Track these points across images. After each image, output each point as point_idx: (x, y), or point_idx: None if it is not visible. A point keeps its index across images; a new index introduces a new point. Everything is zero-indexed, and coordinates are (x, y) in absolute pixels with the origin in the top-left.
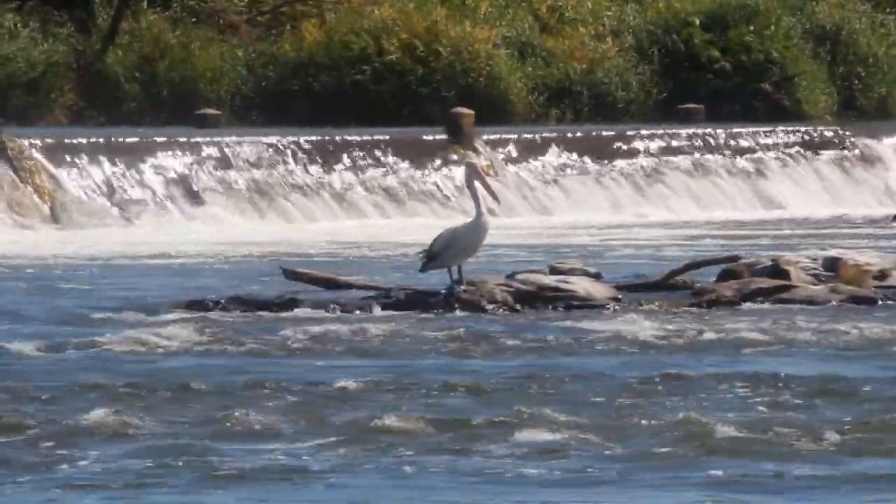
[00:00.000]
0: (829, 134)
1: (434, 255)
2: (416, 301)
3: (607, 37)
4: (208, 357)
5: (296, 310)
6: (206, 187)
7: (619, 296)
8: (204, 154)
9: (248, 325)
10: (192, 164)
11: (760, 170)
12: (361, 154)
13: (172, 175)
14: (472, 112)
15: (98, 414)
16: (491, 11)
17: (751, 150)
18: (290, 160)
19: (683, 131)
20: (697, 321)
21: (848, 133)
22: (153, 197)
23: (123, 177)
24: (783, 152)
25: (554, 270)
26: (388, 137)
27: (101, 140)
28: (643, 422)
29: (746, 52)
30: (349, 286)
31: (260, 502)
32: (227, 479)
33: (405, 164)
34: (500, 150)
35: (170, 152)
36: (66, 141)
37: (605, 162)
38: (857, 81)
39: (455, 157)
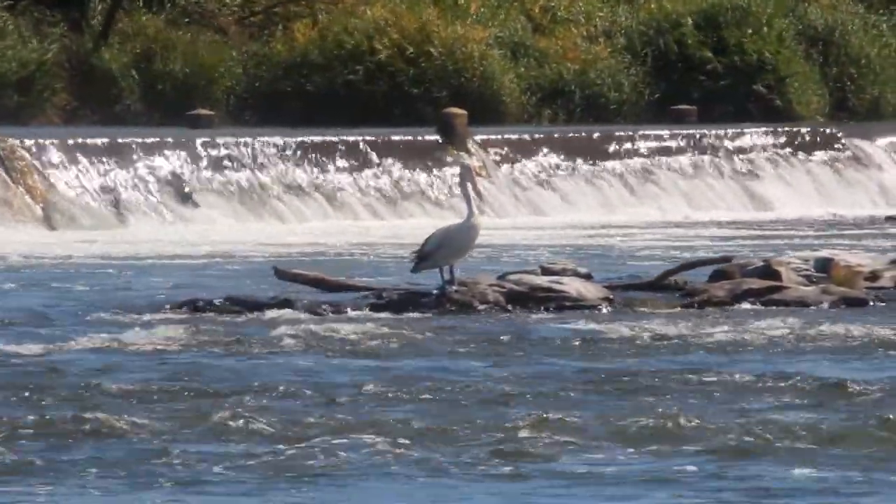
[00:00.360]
0: (821, 135)
1: (426, 255)
2: (409, 301)
3: (600, 37)
4: (201, 357)
5: (288, 310)
6: (198, 188)
7: (611, 296)
8: (197, 154)
9: (241, 326)
10: (185, 164)
11: (752, 170)
12: (354, 154)
13: (165, 175)
14: (464, 112)
15: (91, 414)
16: (483, 11)
17: (743, 151)
18: (283, 161)
19: (676, 132)
20: (689, 322)
21: (840, 134)
22: (146, 197)
23: (116, 177)
24: (775, 153)
25: (545, 271)
26: (380, 138)
27: (94, 141)
28: (635, 422)
29: (739, 54)
30: (341, 287)
31: (253, 501)
32: (219, 478)
33: (397, 165)
34: (493, 150)
35: (163, 153)
36: (59, 141)
37: (598, 162)
38: (849, 82)
39: (448, 157)
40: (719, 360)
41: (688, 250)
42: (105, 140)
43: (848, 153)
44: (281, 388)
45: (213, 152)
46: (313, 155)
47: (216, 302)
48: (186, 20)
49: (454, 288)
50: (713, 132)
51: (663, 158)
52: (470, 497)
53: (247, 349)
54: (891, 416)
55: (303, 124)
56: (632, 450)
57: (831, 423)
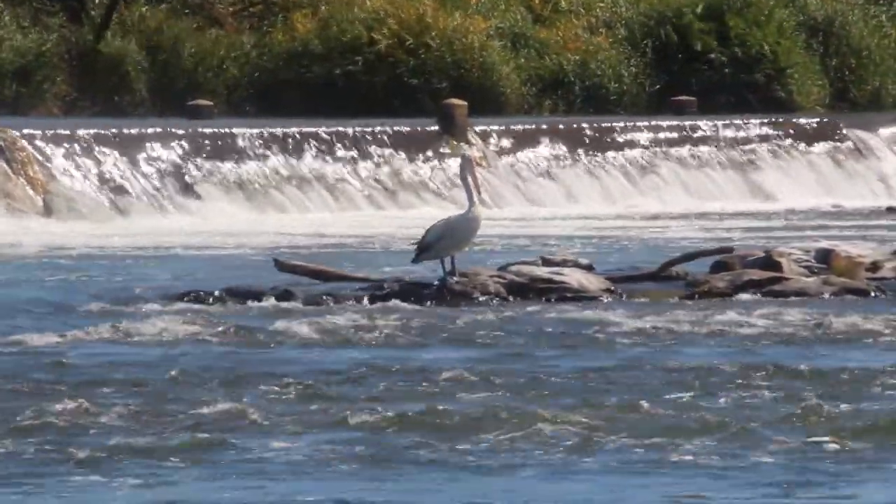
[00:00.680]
0: (821, 125)
1: (427, 246)
2: (409, 292)
3: (600, 28)
4: (202, 348)
5: (289, 302)
6: (199, 178)
7: (612, 287)
8: (197, 145)
9: (241, 317)
10: (185, 155)
11: (753, 161)
12: (354, 145)
13: (166, 166)
14: (464, 103)
15: (92, 406)
16: (483, 2)
17: (743, 142)
18: (283, 151)
19: (676, 123)
20: (690, 313)
21: (841, 125)
22: (146, 188)
23: (116, 168)
24: (776, 144)
25: (546, 262)
26: (381, 128)
27: (94, 131)
28: (637, 412)
29: (739, 44)
30: (341, 278)
31: (254, 493)
32: (221, 469)
33: (398, 156)
34: (493, 141)
35: (163, 143)
36: (59, 132)
37: (598, 153)
38: (849, 73)
39: (448, 148)
40: (720, 350)
41: (688, 241)
42: (105, 131)
43: (848, 144)
44: (279, 378)
45: (214, 143)
46: (314, 145)
47: (216, 293)
48: (187, 11)
49: (455, 279)
50: (714, 123)
51: (664, 149)
52: (474, 488)
53: (247, 340)
54: None
55: (303, 115)
56: (634, 439)
57: (832, 412)
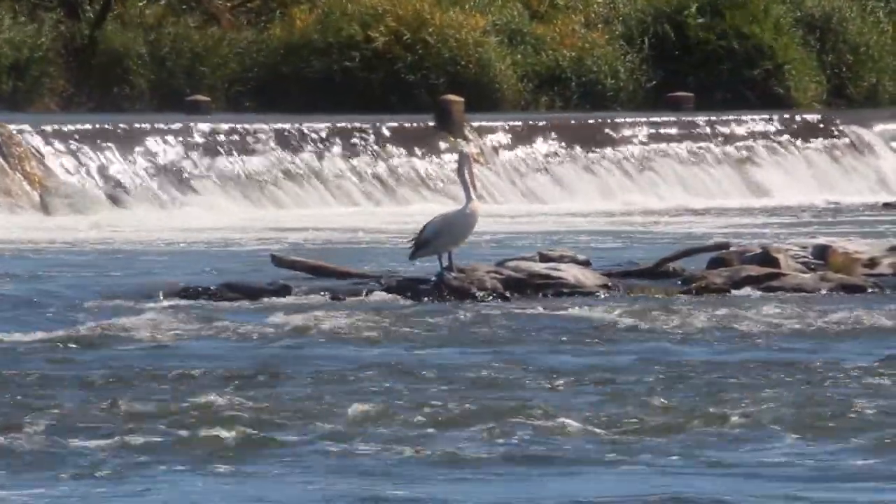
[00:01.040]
0: (818, 122)
1: (424, 242)
2: (407, 288)
3: (597, 24)
4: (199, 344)
5: (287, 297)
6: (196, 174)
7: (609, 283)
8: (195, 141)
9: (239, 313)
10: (183, 150)
11: (750, 157)
12: (352, 141)
13: (163, 162)
14: (461, 99)
15: (89, 402)
16: None
17: (740, 138)
18: (281, 147)
19: (673, 119)
20: (687, 308)
21: (838, 121)
22: (143, 183)
23: (113, 163)
24: (773, 140)
25: (543, 258)
26: (377, 125)
27: (92, 126)
28: (636, 408)
29: (737, 40)
30: (339, 273)
31: (249, 485)
32: (220, 464)
33: (396, 152)
34: (490, 137)
35: (161, 139)
36: (56, 127)
37: (595, 149)
38: (846, 69)
39: (445, 144)
40: (717, 347)
41: (686, 237)
42: (102, 126)
43: (845, 140)
44: (276, 374)
45: (211, 138)
46: (311, 141)
47: (213, 288)
48: (184, 6)
49: (452, 274)
50: (710, 119)
51: (661, 145)
52: (474, 485)
53: (245, 335)
54: None
55: (300, 111)
56: (633, 435)
57: (831, 408)
